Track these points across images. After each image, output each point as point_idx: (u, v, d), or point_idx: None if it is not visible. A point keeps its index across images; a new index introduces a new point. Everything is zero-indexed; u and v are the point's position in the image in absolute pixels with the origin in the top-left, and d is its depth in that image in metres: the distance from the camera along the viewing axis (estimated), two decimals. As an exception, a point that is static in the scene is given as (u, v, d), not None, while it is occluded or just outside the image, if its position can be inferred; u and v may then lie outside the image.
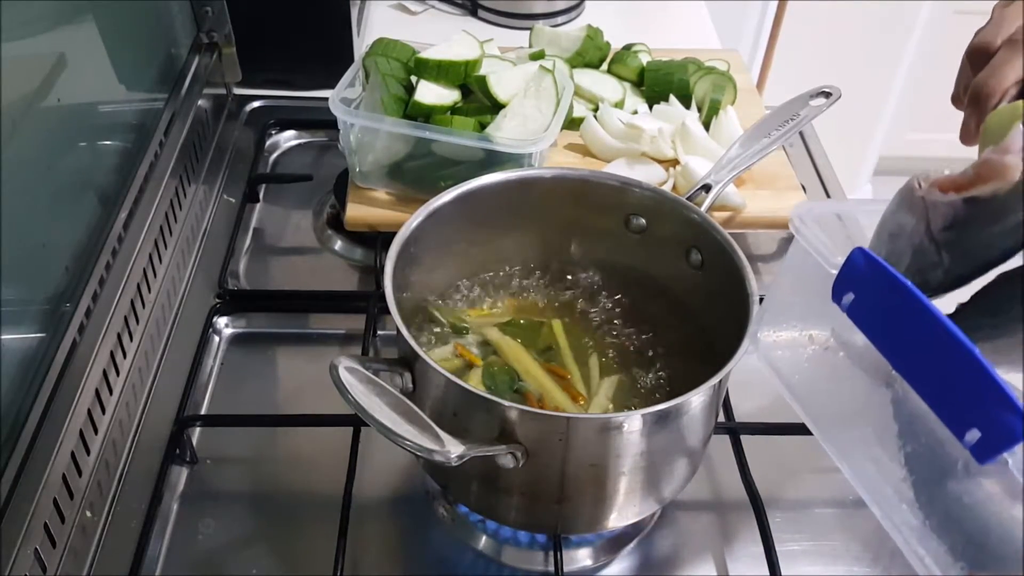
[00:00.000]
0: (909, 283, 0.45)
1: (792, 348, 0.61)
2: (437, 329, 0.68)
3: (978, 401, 0.42)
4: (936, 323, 0.44)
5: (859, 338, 0.50)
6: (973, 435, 0.42)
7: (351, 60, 0.99)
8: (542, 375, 0.65)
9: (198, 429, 0.72)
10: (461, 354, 0.66)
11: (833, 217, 0.57)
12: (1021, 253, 0.50)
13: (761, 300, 0.58)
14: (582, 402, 0.64)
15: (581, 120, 0.93)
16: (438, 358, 0.64)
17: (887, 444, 0.52)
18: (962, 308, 0.52)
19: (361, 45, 1.11)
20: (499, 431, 0.52)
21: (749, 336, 0.55)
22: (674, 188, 0.87)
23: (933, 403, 0.45)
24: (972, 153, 0.54)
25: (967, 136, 0.56)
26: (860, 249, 0.48)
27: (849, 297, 0.49)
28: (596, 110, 0.96)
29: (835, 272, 0.50)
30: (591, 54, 1.03)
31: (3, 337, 0.59)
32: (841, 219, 0.57)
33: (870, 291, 0.48)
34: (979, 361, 0.42)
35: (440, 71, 0.86)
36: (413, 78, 0.87)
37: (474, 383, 0.64)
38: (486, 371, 0.65)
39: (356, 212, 0.86)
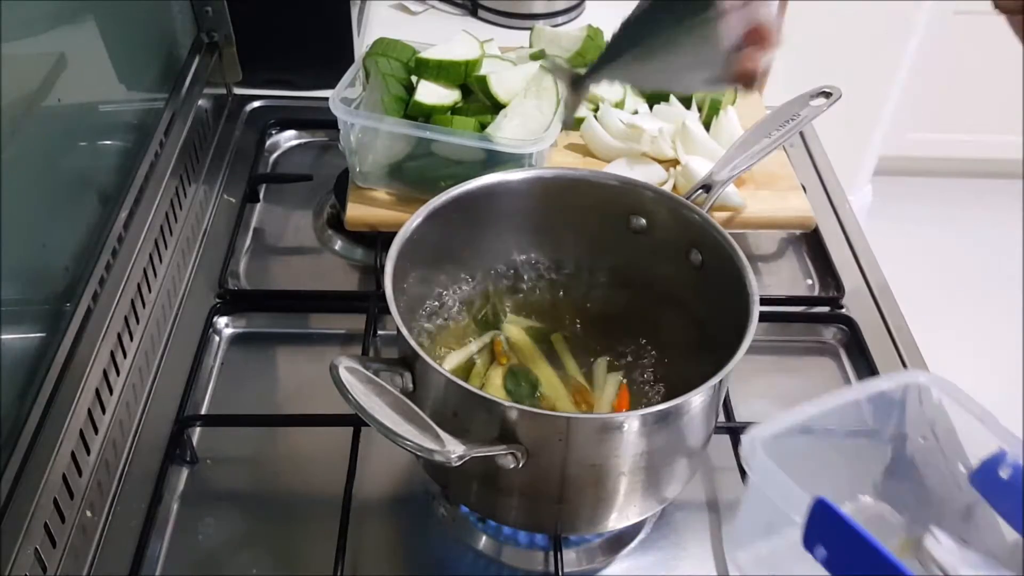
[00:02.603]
0: (874, 540, 0.45)
1: (771, 561, 0.59)
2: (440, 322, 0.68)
3: None
4: None
5: None
6: None
7: (351, 60, 0.98)
8: (559, 384, 0.65)
9: (198, 429, 0.72)
10: (496, 349, 0.66)
11: (788, 433, 0.55)
12: None
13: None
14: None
15: (581, 120, 0.93)
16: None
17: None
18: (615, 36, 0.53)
19: (361, 45, 1.11)
20: (499, 431, 0.52)
21: (748, 337, 0.55)
22: (674, 188, 0.87)
23: None
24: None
25: None
26: (821, 501, 0.48)
27: (821, 552, 0.48)
28: (596, 110, 0.96)
29: (799, 519, 0.49)
30: (591, 54, 1.02)
31: (3, 337, 0.59)
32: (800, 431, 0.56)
33: (839, 544, 0.47)
34: None
35: (440, 71, 0.86)
36: (413, 78, 0.87)
37: (494, 386, 0.63)
38: (510, 375, 0.64)
39: (356, 212, 0.86)
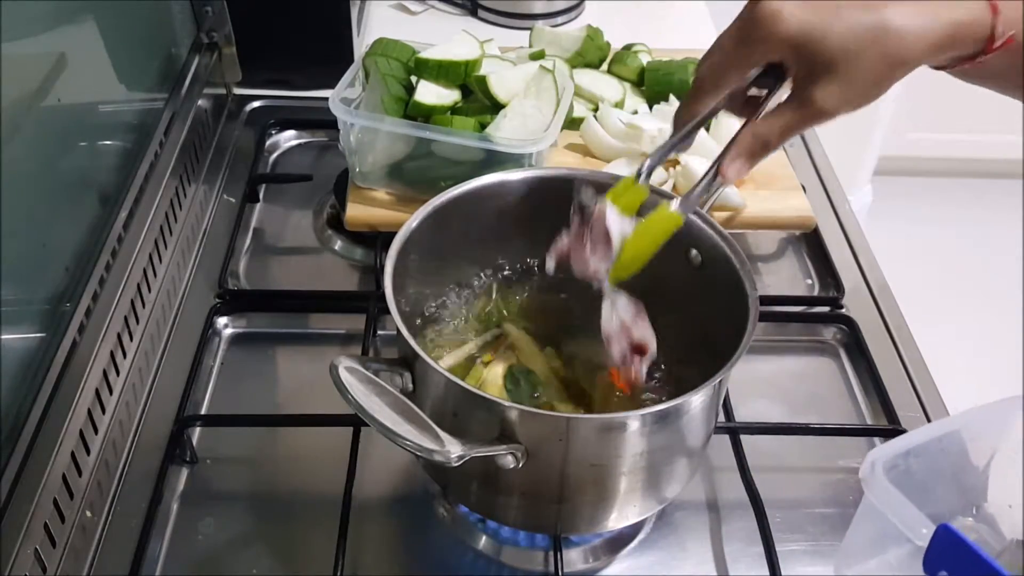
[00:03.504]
0: (997, 564, 0.46)
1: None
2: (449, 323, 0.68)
3: None
4: None
5: None
6: None
7: (351, 60, 0.98)
8: (558, 385, 0.65)
9: (198, 429, 0.72)
10: (498, 345, 0.66)
11: (903, 454, 0.56)
12: None
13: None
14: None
15: (581, 120, 0.93)
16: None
17: None
18: None
19: (361, 45, 1.11)
20: (499, 431, 0.52)
21: (748, 336, 0.55)
22: (674, 188, 0.87)
23: None
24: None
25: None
26: (945, 527, 0.49)
27: None
28: (596, 110, 0.96)
29: (922, 543, 0.50)
30: (591, 54, 1.02)
31: (3, 337, 0.59)
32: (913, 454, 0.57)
33: (962, 570, 0.48)
34: None
35: (440, 71, 0.86)
36: (413, 78, 0.87)
37: (494, 386, 0.63)
38: (510, 375, 0.64)
39: (356, 212, 0.86)
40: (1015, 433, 0.59)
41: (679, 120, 0.58)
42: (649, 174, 0.59)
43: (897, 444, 0.56)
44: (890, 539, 0.54)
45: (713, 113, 0.57)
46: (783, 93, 0.54)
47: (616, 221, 0.59)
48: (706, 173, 0.57)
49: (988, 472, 0.61)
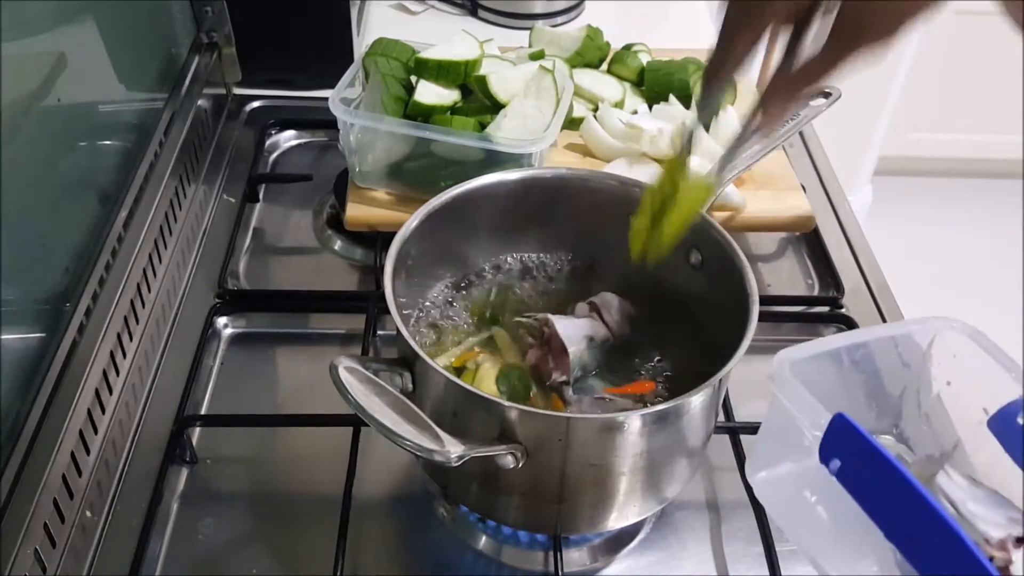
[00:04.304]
0: (889, 454, 0.47)
1: (788, 482, 0.61)
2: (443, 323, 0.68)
3: (957, 570, 0.44)
4: (915, 493, 0.45)
5: None
6: None
7: (351, 60, 0.98)
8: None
9: (198, 429, 0.72)
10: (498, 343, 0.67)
11: (819, 359, 0.57)
12: None
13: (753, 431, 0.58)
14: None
15: (581, 120, 0.93)
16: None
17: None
18: None
19: (361, 45, 1.11)
20: (499, 431, 0.52)
21: (748, 336, 0.55)
22: (674, 188, 0.87)
23: (919, 569, 0.46)
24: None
25: None
26: (840, 415, 0.49)
27: (836, 464, 0.50)
28: (596, 110, 0.96)
29: (819, 434, 0.50)
30: (591, 54, 1.02)
31: (3, 337, 0.59)
32: (834, 356, 0.59)
33: (854, 457, 0.49)
34: (957, 533, 0.44)
35: (440, 71, 0.86)
36: (413, 78, 0.87)
37: (486, 385, 0.63)
38: (503, 375, 0.64)
39: (356, 212, 0.86)
40: (931, 357, 0.61)
41: (712, 72, 0.51)
42: (690, 141, 0.59)
43: (809, 347, 0.57)
44: (800, 448, 0.54)
45: (746, 59, 0.50)
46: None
47: (569, 331, 0.62)
48: (744, 123, 0.53)
49: (903, 398, 0.63)
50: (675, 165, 0.59)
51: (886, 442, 0.63)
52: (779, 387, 0.55)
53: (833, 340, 0.59)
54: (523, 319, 0.65)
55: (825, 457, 0.50)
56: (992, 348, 0.58)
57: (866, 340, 0.60)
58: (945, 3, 0.45)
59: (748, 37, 0.49)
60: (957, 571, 0.44)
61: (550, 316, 0.64)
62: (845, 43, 0.46)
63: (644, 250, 0.60)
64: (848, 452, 0.49)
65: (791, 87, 0.49)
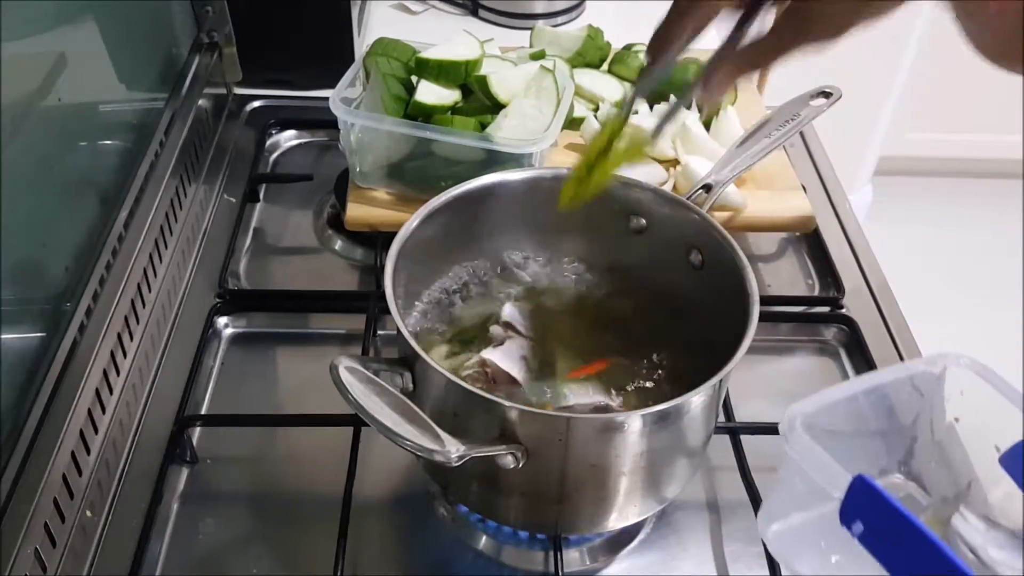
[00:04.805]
0: (912, 515, 0.46)
1: (800, 535, 0.60)
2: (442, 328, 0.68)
3: None
4: (941, 556, 0.44)
5: None
6: None
7: (351, 60, 0.98)
8: None
9: (198, 429, 0.72)
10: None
11: (825, 409, 0.56)
12: None
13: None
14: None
15: (581, 120, 0.93)
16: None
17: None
18: None
19: (361, 45, 1.11)
20: (499, 431, 0.52)
21: (748, 337, 0.55)
22: (674, 188, 0.87)
23: None
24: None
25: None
26: (861, 478, 0.48)
27: (859, 527, 0.49)
28: (596, 110, 0.96)
29: (838, 495, 0.50)
30: (591, 54, 1.02)
31: (3, 337, 0.59)
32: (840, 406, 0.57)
33: (877, 520, 0.48)
34: None
35: (440, 71, 0.86)
36: (413, 78, 0.87)
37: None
38: None
39: (356, 212, 0.86)
40: (942, 390, 0.60)
41: (657, 46, 0.52)
42: (630, 106, 0.59)
43: (818, 399, 0.56)
44: (813, 497, 0.54)
45: (693, 37, 0.51)
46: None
47: (506, 361, 0.63)
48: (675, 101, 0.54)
49: (916, 430, 0.62)
50: (612, 129, 0.58)
51: (896, 482, 0.62)
52: (792, 446, 0.54)
53: (841, 389, 0.57)
54: (467, 371, 0.64)
55: (847, 520, 0.50)
56: (1000, 384, 0.57)
57: (876, 384, 0.59)
58: (892, 11, 0.46)
59: (697, 19, 0.49)
60: None
61: (483, 355, 0.63)
62: (788, 37, 0.47)
63: (570, 201, 0.60)
64: (870, 514, 0.48)
65: (733, 67, 0.50)
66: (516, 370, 0.63)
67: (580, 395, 0.63)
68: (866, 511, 0.48)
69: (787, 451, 0.54)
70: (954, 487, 0.60)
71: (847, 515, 0.49)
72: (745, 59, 0.49)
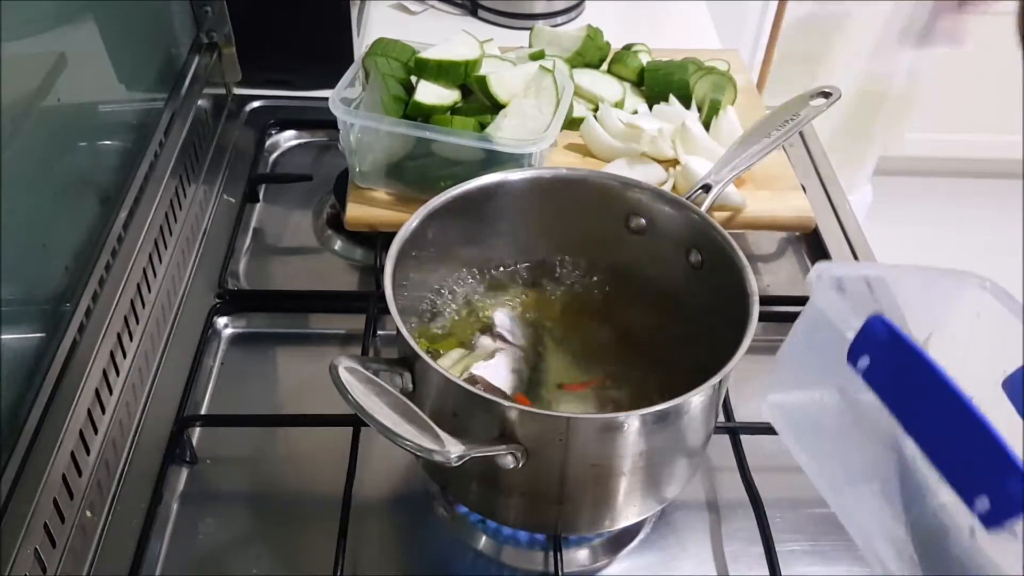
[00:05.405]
0: (927, 354, 0.46)
1: (800, 408, 0.60)
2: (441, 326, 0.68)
3: (989, 470, 0.43)
4: (951, 394, 0.44)
5: (868, 400, 0.50)
6: (983, 503, 0.43)
7: (351, 60, 0.98)
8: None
9: (198, 429, 0.72)
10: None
11: (853, 279, 0.56)
12: None
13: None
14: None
15: (581, 120, 0.93)
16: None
17: (893, 503, 0.52)
18: None
19: (361, 45, 1.11)
20: (499, 431, 0.52)
21: (748, 336, 0.55)
22: (674, 188, 0.87)
23: (944, 469, 0.45)
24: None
25: None
26: (879, 317, 0.48)
27: (865, 361, 0.49)
28: (596, 110, 0.96)
29: (851, 335, 0.50)
30: (591, 54, 1.02)
31: (3, 337, 0.59)
32: (865, 282, 0.57)
33: (886, 357, 0.48)
34: (991, 432, 0.42)
35: (440, 71, 0.86)
36: (413, 78, 0.87)
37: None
38: None
39: (356, 212, 0.86)
40: (955, 310, 0.60)
41: None
42: None
43: (847, 265, 0.56)
44: (824, 362, 0.54)
45: None
46: None
47: (496, 376, 0.63)
48: None
49: (929, 341, 0.61)
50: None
51: None
52: (816, 295, 0.54)
53: (869, 266, 0.57)
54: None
55: (854, 356, 0.49)
56: (1016, 307, 0.56)
57: (899, 276, 0.58)
58: None
59: None
60: (983, 462, 0.43)
61: (472, 371, 0.63)
62: None
63: None
64: (879, 351, 0.48)
65: None
66: (507, 385, 0.63)
67: (575, 405, 0.63)
68: (875, 346, 0.48)
69: (809, 303, 0.55)
70: None
71: (855, 351, 0.49)
72: None
